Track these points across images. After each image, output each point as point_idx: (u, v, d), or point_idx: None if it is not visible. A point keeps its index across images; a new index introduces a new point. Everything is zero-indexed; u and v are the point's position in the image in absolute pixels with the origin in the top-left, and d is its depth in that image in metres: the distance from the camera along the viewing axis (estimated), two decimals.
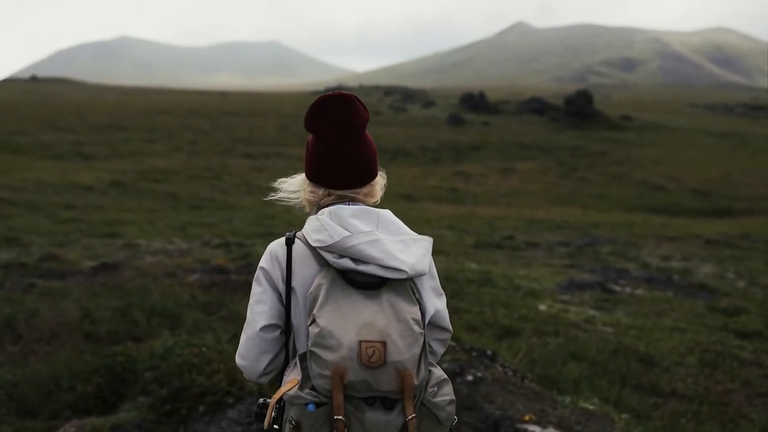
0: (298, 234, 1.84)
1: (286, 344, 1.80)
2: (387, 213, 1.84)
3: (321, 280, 1.70)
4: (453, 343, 5.03)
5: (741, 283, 10.76)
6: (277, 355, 1.79)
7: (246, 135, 39.89)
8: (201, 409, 3.93)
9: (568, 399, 4.30)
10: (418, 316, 1.69)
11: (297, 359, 1.69)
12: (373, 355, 1.57)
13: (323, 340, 1.59)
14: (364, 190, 1.89)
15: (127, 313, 6.06)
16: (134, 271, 8.49)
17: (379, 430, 1.60)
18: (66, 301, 6.62)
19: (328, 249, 1.71)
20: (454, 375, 4.29)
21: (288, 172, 2.02)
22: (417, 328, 1.65)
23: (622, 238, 15.85)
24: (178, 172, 27.45)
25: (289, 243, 1.81)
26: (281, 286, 1.79)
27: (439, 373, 1.72)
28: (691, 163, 36.61)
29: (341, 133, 1.81)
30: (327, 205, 1.86)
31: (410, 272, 1.70)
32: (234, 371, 4.13)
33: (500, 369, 4.61)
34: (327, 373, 1.57)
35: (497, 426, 3.81)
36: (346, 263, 1.69)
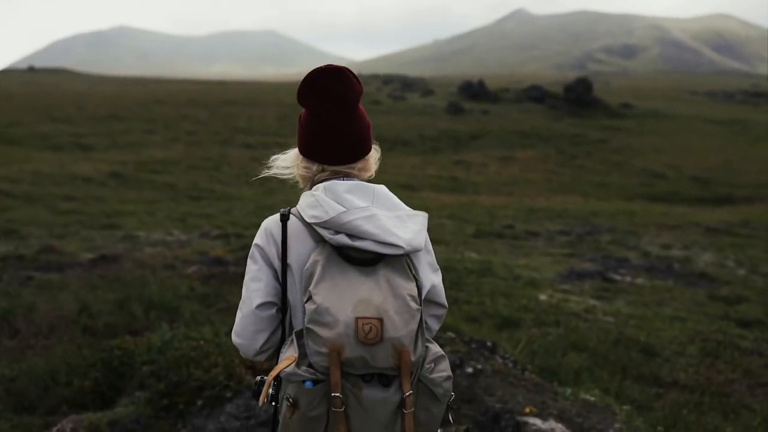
0: (293, 210, 1.82)
1: (282, 321, 1.79)
2: (382, 188, 1.83)
3: (317, 256, 1.69)
4: (452, 335, 5.00)
5: (741, 272, 10.74)
6: (273, 333, 1.78)
7: (245, 125, 39.77)
8: (199, 403, 3.89)
9: (568, 390, 4.27)
10: (415, 292, 1.67)
11: (294, 336, 1.67)
12: (370, 332, 1.56)
13: (320, 317, 1.58)
14: (359, 164, 1.87)
15: (125, 305, 6.03)
16: (133, 263, 8.45)
17: (377, 407, 1.59)
18: (64, 294, 6.59)
19: (324, 225, 1.69)
20: (454, 367, 4.25)
21: None
22: (413, 305, 1.64)
23: (622, 227, 15.82)
24: (177, 162, 27.36)
25: (284, 219, 1.79)
26: (277, 263, 1.77)
27: (435, 349, 1.71)
28: (691, 151, 36.54)
29: (335, 107, 1.79)
30: (321, 181, 1.84)
31: (407, 248, 1.69)
32: (232, 365, 4.10)
33: (500, 361, 4.58)
34: (324, 350, 1.56)
35: (498, 419, 3.78)
36: (342, 239, 1.67)
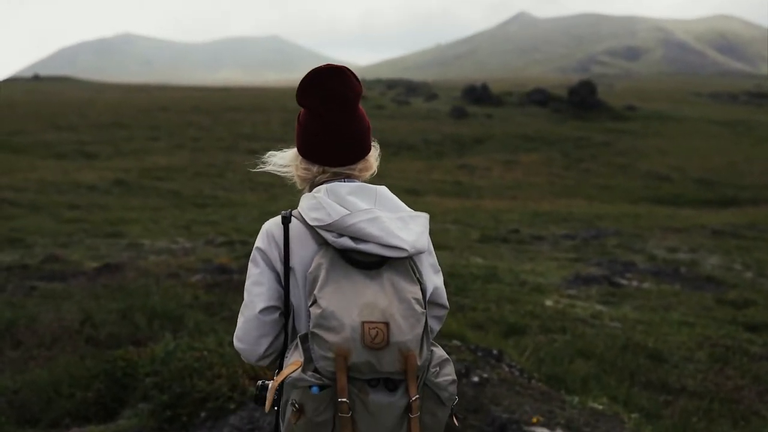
0: (294, 212, 1.80)
1: (285, 325, 1.77)
2: (384, 189, 1.82)
3: (320, 259, 1.67)
4: (458, 343, 4.96)
5: (749, 275, 10.66)
6: (276, 338, 1.76)
7: (249, 131, 39.78)
8: (202, 415, 3.86)
9: (576, 399, 4.22)
10: (419, 295, 1.67)
11: (298, 340, 1.66)
12: (376, 336, 1.55)
13: (325, 321, 1.57)
14: (360, 165, 1.86)
15: (129, 315, 6.00)
16: (136, 272, 8.43)
17: (383, 412, 1.58)
18: (67, 304, 6.57)
19: (327, 228, 1.68)
20: (459, 376, 4.21)
21: None
22: (419, 308, 1.63)
23: (628, 230, 15.74)
24: (182, 169, 27.37)
25: (286, 222, 1.77)
26: (279, 267, 1.75)
27: (440, 353, 1.70)
28: (696, 153, 36.41)
29: (336, 108, 1.78)
30: (322, 182, 1.83)
31: (410, 250, 1.69)
32: (236, 376, 4.07)
33: (507, 369, 4.54)
34: (330, 355, 1.55)
35: (504, 429, 3.73)
36: (346, 242, 1.66)
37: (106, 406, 4.23)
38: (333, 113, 1.78)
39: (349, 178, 1.84)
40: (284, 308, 1.75)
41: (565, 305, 7.75)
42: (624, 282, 9.63)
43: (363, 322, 1.56)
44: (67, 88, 79.32)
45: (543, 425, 3.76)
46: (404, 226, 1.72)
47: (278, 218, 1.80)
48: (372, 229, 1.66)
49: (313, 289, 1.63)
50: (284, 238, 1.75)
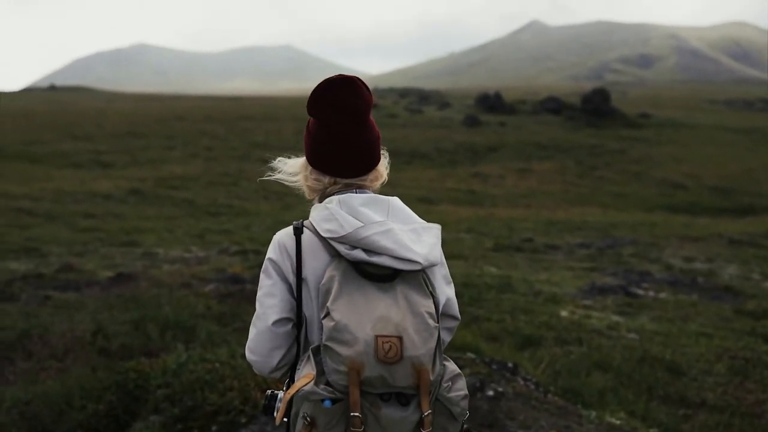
0: (306, 223, 1.79)
1: (297, 337, 1.76)
2: (396, 201, 1.80)
3: (333, 271, 1.66)
4: (473, 356, 4.90)
5: (767, 285, 10.50)
6: (289, 350, 1.75)
7: (262, 140, 39.92)
8: (213, 428, 3.82)
9: (593, 413, 4.14)
10: (432, 309, 1.66)
11: (310, 352, 1.64)
12: (389, 351, 1.54)
13: (339, 334, 1.56)
14: (371, 176, 1.86)
15: (141, 326, 5.98)
16: (150, 282, 8.43)
17: (395, 426, 1.57)
18: (80, 314, 6.56)
19: (340, 240, 1.67)
20: (474, 390, 4.14)
21: None
22: (432, 322, 1.62)
23: (644, 239, 15.59)
24: (196, 178, 27.50)
25: (298, 233, 1.76)
26: (291, 278, 1.73)
27: (452, 367, 1.69)
28: (711, 160, 36.12)
29: (348, 119, 1.77)
30: (333, 193, 1.81)
31: (424, 263, 1.68)
32: (247, 389, 4.03)
33: (522, 382, 4.46)
34: (343, 368, 1.54)
35: None
36: (359, 254, 1.65)
37: (118, 419, 4.20)
38: (345, 124, 1.77)
39: (360, 188, 1.83)
40: (297, 319, 1.74)
41: (581, 316, 7.66)
42: (640, 292, 9.52)
43: (376, 336, 1.55)
44: (83, 98, 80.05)
45: None
46: (417, 239, 1.71)
47: (290, 229, 1.78)
48: (385, 242, 1.65)
49: (326, 302, 1.61)
50: (296, 249, 1.74)
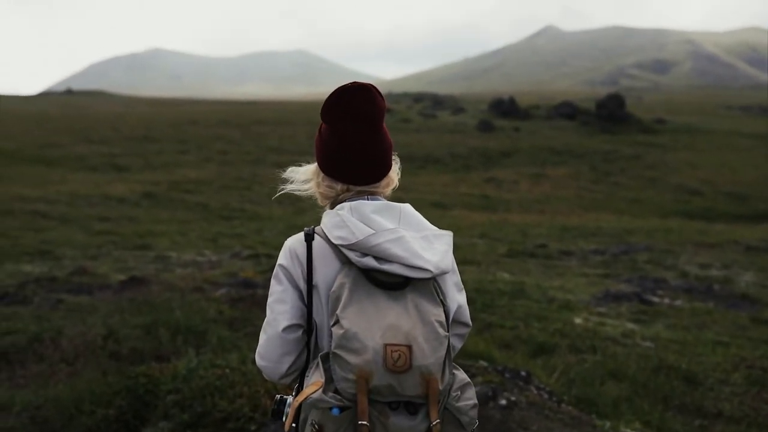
0: (317, 229, 1.79)
1: (307, 343, 1.76)
2: (408, 207, 1.79)
3: (343, 278, 1.66)
4: (485, 364, 4.84)
5: None
6: (299, 356, 1.75)
7: (276, 144, 40.03)
8: None
9: (608, 424, 4.07)
10: (443, 317, 1.66)
11: (319, 360, 1.64)
12: (398, 360, 1.54)
13: (348, 342, 1.56)
14: (383, 182, 1.87)
15: (152, 330, 5.97)
16: (162, 286, 8.43)
17: None
18: (92, 318, 6.57)
19: (351, 247, 1.67)
20: (486, 399, 4.09)
21: None
22: (442, 331, 1.62)
23: (659, 245, 15.43)
24: (210, 182, 27.60)
25: (309, 239, 1.76)
26: (302, 284, 1.74)
27: (462, 376, 1.69)
28: (727, 166, 35.79)
29: (362, 127, 1.77)
30: (345, 200, 1.82)
31: (435, 271, 1.68)
32: (257, 395, 4.00)
33: (535, 391, 4.40)
34: (351, 377, 1.54)
35: None
36: (370, 262, 1.65)
37: (128, 424, 4.18)
38: (359, 132, 1.77)
39: (372, 195, 1.83)
40: (307, 326, 1.73)
41: (595, 323, 7.57)
42: (655, 299, 9.40)
43: (386, 345, 1.55)
44: (99, 102, 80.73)
45: None
46: (429, 246, 1.71)
47: (301, 235, 1.78)
48: (396, 250, 1.64)
49: (336, 309, 1.61)
50: (307, 255, 1.74)
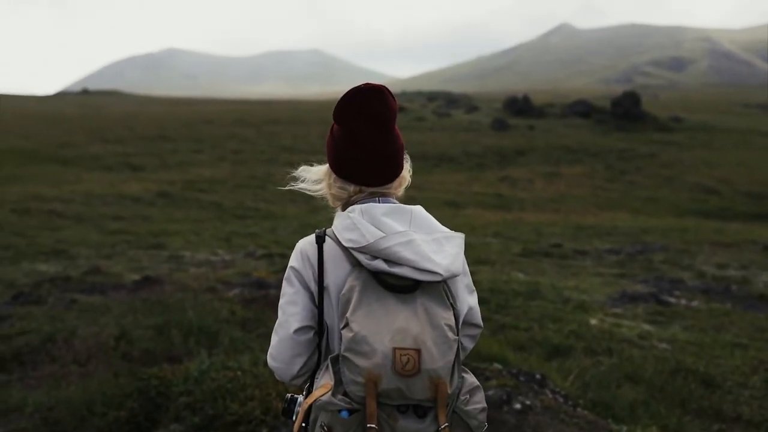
0: (328, 231, 1.80)
1: (318, 344, 1.77)
2: (419, 210, 1.79)
3: (353, 281, 1.67)
4: (499, 366, 4.77)
5: None
6: (310, 357, 1.77)
7: (289, 143, 40.08)
8: None
9: (624, 428, 4.01)
10: (452, 321, 1.65)
11: (329, 362, 1.65)
12: (407, 363, 1.55)
13: (357, 345, 1.57)
14: (395, 183, 1.87)
15: (165, 331, 5.96)
16: (175, 286, 8.43)
17: None
18: (105, 318, 6.57)
19: (362, 250, 1.67)
20: (501, 403, 4.03)
21: None
22: (451, 335, 1.62)
23: (675, 245, 15.28)
24: (224, 181, 27.66)
25: (320, 241, 1.77)
26: (313, 286, 1.75)
27: (471, 379, 1.69)
28: (744, 165, 35.40)
29: (376, 129, 1.77)
30: (357, 202, 1.82)
31: (445, 274, 1.67)
32: (269, 398, 3.97)
33: (550, 395, 4.33)
34: (360, 380, 1.55)
35: None
36: (380, 265, 1.65)
37: (139, 426, 4.16)
38: (372, 133, 1.77)
39: (384, 196, 1.83)
40: (318, 328, 1.75)
41: (611, 324, 7.48)
42: (672, 300, 9.29)
43: (394, 348, 1.55)
44: (115, 101, 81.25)
45: None
46: (439, 249, 1.70)
47: (312, 237, 1.79)
48: (406, 253, 1.64)
49: (345, 312, 1.62)
50: (318, 257, 1.74)
